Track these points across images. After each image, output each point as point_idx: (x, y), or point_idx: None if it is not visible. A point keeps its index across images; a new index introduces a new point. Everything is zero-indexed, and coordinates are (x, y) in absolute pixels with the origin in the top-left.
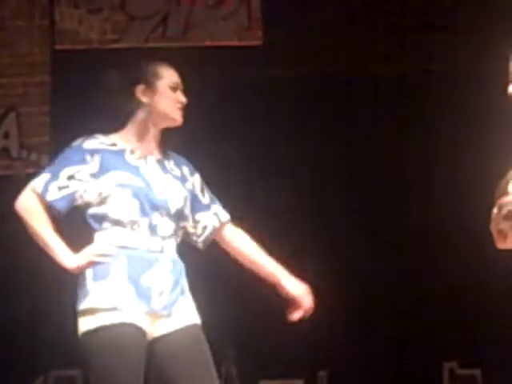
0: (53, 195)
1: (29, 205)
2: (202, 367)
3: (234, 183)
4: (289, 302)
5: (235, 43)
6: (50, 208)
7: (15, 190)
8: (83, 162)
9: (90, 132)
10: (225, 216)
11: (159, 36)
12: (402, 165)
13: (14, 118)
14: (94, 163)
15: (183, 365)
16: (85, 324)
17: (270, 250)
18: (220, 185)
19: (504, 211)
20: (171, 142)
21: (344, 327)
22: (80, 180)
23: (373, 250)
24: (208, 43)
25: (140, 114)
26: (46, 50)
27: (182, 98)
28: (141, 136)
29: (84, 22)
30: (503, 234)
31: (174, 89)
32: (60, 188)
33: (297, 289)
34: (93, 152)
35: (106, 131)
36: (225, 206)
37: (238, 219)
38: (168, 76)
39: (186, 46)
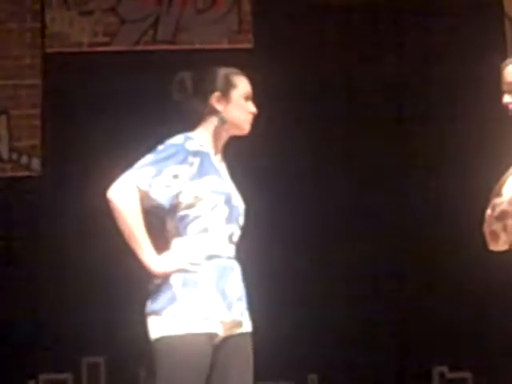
0: (158, 192)
1: (129, 201)
2: (249, 373)
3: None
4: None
5: (225, 46)
6: (152, 204)
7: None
8: (186, 162)
9: (81, 136)
10: None
11: (150, 39)
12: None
13: (5, 121)
14: (194, 165)
15: (237, 369)
16: (168, 328)
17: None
18: None
19: (497, 212)
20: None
21: (334, 331)
22: (182, 181)
23: (366, 254)
24: (198, 46)
25: (213, 120)
26: (37, 52)
27: (253, 108)
28: (216, 140)
29: (75, 25)
30: (495, 235)
31: (246, 98)
32: (166, 186)
33: None
34: (195, 154)
35: (98, 134)
36: None
37: None
38: (242, 85)
39: (177, 49)
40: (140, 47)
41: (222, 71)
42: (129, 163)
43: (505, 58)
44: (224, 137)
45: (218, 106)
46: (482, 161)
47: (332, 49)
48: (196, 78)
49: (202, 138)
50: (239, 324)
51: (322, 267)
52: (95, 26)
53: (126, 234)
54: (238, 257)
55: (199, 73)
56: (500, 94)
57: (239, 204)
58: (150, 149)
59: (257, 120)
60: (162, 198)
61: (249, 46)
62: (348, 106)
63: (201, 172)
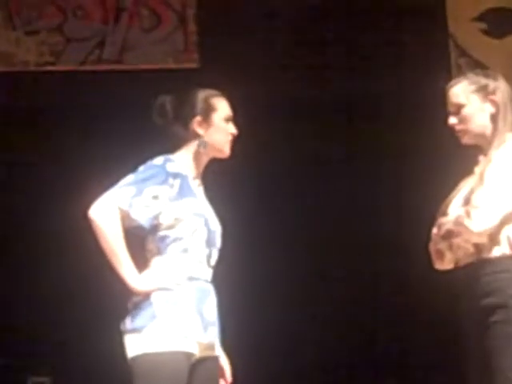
0: (138, 212)
1: (110, 220)
2: None
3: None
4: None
5: (171, 66)
6: (132, 224)
7: None
8: (167, 183)
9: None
10: None
11: (96, 59)
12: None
13: None
14: (174, 187)
15: None
16: (148, 346)
17: None
18: None
19: (442, 231)
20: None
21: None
22: (162, 202)
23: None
24: (144, 66)
25: (194, 144)
26: None
27: (233, 130)
28: (196, 164)
29: (21, 44)
30: (441, 254)
31: (227, 121)
32: (145, 206)
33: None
34: (175, 176)
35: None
36: None
37: None
38: (222, 108)
39: (123, 69)
40: (86, 67)
41: (202, 94)
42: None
43: (450, 79)
44: (204, 160)
45: (200, 130)
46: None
47: (279, 67)
48: (176, 102)
49: (182, 160)
50: (212, 347)
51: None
52: (41, 46)
53: (108, 252)
54: (213, 281)
55: (179, 97)
56: (446, 115)
57: (216, 227)
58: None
59: None
60: (142, 218)
61: (194, 65)
62: (295, 123)
63: (181, 194)
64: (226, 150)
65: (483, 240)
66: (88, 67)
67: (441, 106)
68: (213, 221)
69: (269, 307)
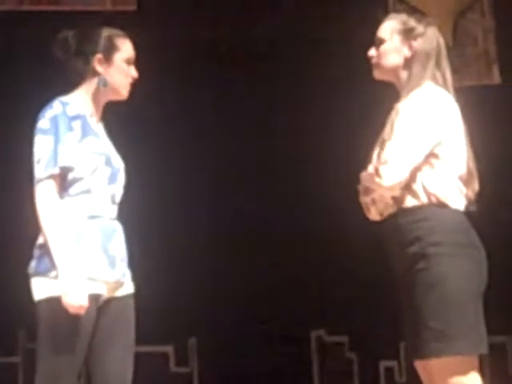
0: (64, 158)
1: (53, 210)
2: (132, 336)
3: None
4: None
5: (109, 8)
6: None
7: None
8: (71, 129)
9: None
10: None
11: None
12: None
13: None
14: (77, 129)
15: (121, 332)
16: (53, 289)
17: None
18: None
19: (362, 187)
20: None
21: (216, 294)
22: (71, 146)
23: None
24: (81, 8)
25: (93, 82)
26: None
27: (134, 73)
28: (94, 102)
29: None
30: (366, 207)
31: (128, 62)
32: (67, 152)
33: None
34: (75, 118)
35: None
36: None
37: None
38: (125, 49)
39: (60, 10)
40: (24, 7)
41: (106, 32)
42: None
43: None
44: (102, 100)
45: (99, 68)
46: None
47: (216, 11)
48: (79, 38)
49: (79, 100)
50: (121, 285)
51: (202, 226)
52: None
53: (50, 235)
54: (120, 217)
55: (83, 32)
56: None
57: (119, 164)
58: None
59: (140, 82)
60: (69, 161)
61: (132, 7)
62: (234, 68)
63: (83, 134)
64: (124, 92)
65: (397, 193)
66: (26, 7)
67: None
68: (115, 158)
69: (175, 245)
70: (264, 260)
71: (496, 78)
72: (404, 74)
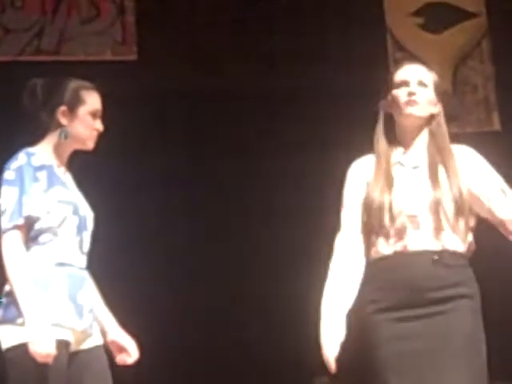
0: (29, 208)
1: (19, 258)
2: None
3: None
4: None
5: (109, 58)
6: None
7: None
8: (36, 180)
9: None
10: None
11: (34, 49)
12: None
13: None
14: (42, 180)
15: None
16: (21, 336)
17: None
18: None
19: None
20: None
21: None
22: (37, 197)
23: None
24: (82, 57)
25: (56, 133)
26: None
27: (99, 126)
28: (58, 153)
29: None
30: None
31: (93, 115)
32: (32, 202)
33: (126, 341)
34: (40, 168)
35: None
36: None
37: None
38: (90, 101)
39: (60, 60)
40: (24, 57)
41: (73, 84)
42: None
43: (387, 71)
44: (67, 150)
45: (63, 121)
46: None
47: (215, 61)
48: (47, 89)
49: (44, 151)
50: (89, 336)
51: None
52: None
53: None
54: (90, 266)
55: (50, 83)
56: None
57: (87, 213)
58: None
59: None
60: (34, 211)
61: (133, 57)
62: (232, 119)
63: (49, 184)
64: (89, 144)
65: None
66: (26, 58)
67: (377, 98)
68: (83, 207)
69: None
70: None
71: (496, 124)
72: (426, 128)
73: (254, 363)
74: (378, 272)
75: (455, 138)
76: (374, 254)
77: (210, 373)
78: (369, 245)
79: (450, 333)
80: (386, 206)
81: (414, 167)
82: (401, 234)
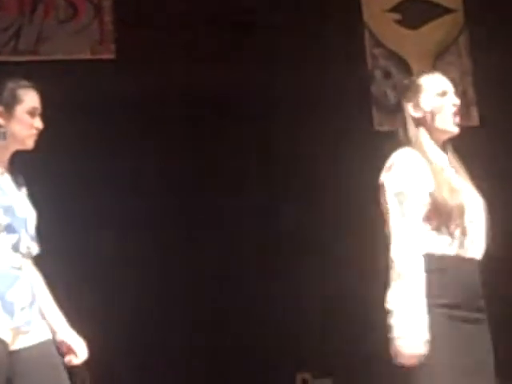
0: None
1: None
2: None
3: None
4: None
5: (88, 57)
6: None
7: None
8: None
9: None
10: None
11: (11, 49)
12: None
13: None
14: None
15: (37, 379)
16: None
17: None
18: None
19: None
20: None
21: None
22: None
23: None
24: (60, 57)
25: None
26: None
27: (38, 124)
28: None
29: None
30: None
31: (32, 114)
32: None
33: (74, 341)
34: None
35: None
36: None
37: None
38: (28, 100)
39: (38, 59)
40: (1, 58)
41: (10, 84)
42: None
43: (366, 69)
44: (7, 152)
45: (0, 121)
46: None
47: (193, 60)
48: None
49: None
50: (25, 333)
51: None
52: None
53: None
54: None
55: None
56: (363, 103)
57: (26, 213)
58: None
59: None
60: None
61: (111, 56)
62: (217, 116)
63: None
64: (28, 143)
65: None
66: (4, 57)
67: (358, 93)
68: (20, 208)
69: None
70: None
71: (475, 119)
72: None
73: (236, 359)
74: (440, 269)
75: None
76: (433, 250)
77: (192, 367)
78: (427, 240)
79: (488, 342)
80: (456, 208)
81: (455, 171)
82: (463, 236)
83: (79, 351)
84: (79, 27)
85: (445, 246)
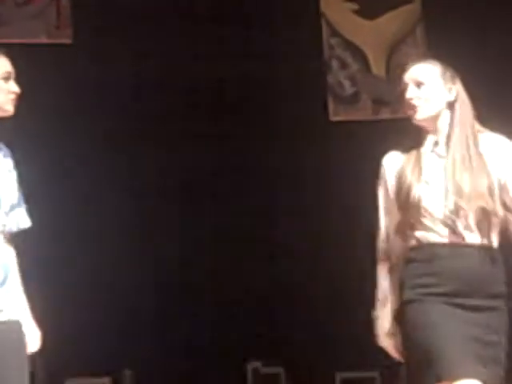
0: None
1: None
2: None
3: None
4: None
5: (45, 41)
6: None
7: None
8: None
9: None
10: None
11: None
12: None
13: None
14: None
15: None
16: None
17: None
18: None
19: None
20: None
21: (148, 325)
22: None
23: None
24: (17, 41)
25: None
26: None
27: (15, 88)
28: None
29: None
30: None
31: (6, 79)
32: None
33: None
34: None
35: None
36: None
37: None
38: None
39: None
40: None
41: None
42: None
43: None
44: None
45: None
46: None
47: (147, 43)
48: None
49: None
50: None
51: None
52: None
53: None
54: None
55: None
56: (320, 92)
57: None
58: None
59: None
60: None
61: (68, 41)
62: (170, 103)
63: None
64: (7, 108)
65: None
66: None
67: (311, 83)
68: None
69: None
70: (199, 291)
71: None
72: (446, 118)
73: (187, 347)
74: (430, 258)
75: (388, 124)
76: (423, 239)
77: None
78: (415, 229)
79: (501, 329)
80: (443, 196)
81: (448, 157)
82: (455, 224)
83: (32, 340)
84: (36, 11)
85: (434, 234)
